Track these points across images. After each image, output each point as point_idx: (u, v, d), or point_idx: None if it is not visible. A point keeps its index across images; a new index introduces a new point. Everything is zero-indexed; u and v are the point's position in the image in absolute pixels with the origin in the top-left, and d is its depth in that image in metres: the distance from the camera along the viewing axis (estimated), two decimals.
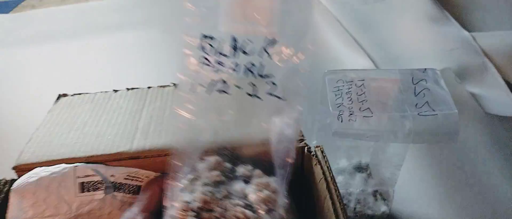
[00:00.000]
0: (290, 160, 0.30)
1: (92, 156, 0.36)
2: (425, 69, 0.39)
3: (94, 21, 1.06)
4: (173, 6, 1.07)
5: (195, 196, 0.31)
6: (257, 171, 0.34)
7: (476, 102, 0.65)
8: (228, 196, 0.31)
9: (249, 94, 0.30)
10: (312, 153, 0.37)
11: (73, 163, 0.35)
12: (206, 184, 0.32)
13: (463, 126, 0.60)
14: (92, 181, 0.35)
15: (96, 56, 0.90)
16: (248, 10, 0.28)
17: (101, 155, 0.36)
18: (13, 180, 0.35)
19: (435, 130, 0.35)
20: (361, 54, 0.79)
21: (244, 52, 0.28)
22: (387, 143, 0.38)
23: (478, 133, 0.59)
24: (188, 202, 0.30)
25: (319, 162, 0.36)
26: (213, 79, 0.29)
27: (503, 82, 0.68)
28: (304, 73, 0.28)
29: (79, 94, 0.46)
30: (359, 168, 0.46)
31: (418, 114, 0.35)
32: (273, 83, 0.29)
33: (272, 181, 0.32)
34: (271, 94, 0.29)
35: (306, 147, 0.37)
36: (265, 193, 0.31)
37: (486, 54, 0.75)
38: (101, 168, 0.35)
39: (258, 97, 0.30)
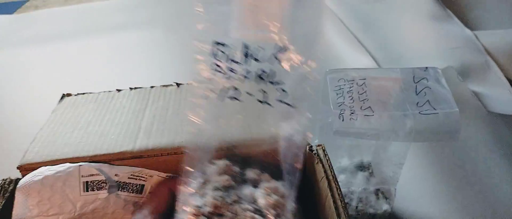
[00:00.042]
0: (298, 166, 0.30)
1: (95, 156, 0.36)
2: (427, 67, 0.39)
3: (97, 21, 1.06)
4: (176, 7, 1.07)
5: (206, 200, 0.31)
6: (265, 175, 0.34)
7: (478, 101, 0.64)
8: (237, 200, 0.32)
9: (260, 101, 0.30)
10: (313, 152, 0.37)
11: (77, 163, 0.35)
12: (216, 189, 0.32)
13: (465, 124, 0.60)
14: (96, 181, 0.35)
15: (99, 56, 0.91)
16: (259, 17, 0.28)
17: (105, 155, 0.36)
18: (18, 179, 0.35)
19: (436, 128, 0.35)
20: (363, 53, 0.79)
21: (255, 59, 0.29)
22: (389, 142, 0.38)
23: (480, 131, 0.59)
24: (199, 207, 0.31)
25: (321, 160, 0.36)
26: (225, 86, 0.29)
27: (505, 81, 0.68)
28: (313, 80, 0.29)
29: (83, 93, 0.46)
30: (361, 167, 0.46)
31: (419, 112, 0.35)
32: (283, 90, 0.29)
33: (281, 185, 0.33)
34: (281, 101, 0.30)
35: (307, 146, 0.37)
36: (274, 197, 0.32)
37: (488, 53, 0.75)
38: (105, 167, 0.36)
39: (268, 104, 0.30)
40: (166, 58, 0.86)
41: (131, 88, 0.46)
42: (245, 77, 0.29)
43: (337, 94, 0.37)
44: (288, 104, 0.29)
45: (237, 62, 0.29)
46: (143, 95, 0.45)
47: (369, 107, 0.36)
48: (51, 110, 0.44)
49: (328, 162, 0.35)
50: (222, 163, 0.34)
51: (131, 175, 0.36)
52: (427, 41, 0.82)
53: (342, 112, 0.36)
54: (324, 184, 0.34)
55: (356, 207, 0.45)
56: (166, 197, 0.36)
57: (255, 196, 0.32)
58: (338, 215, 0.31)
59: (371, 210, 0.45)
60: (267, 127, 0.32)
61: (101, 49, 0.93)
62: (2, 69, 0.88)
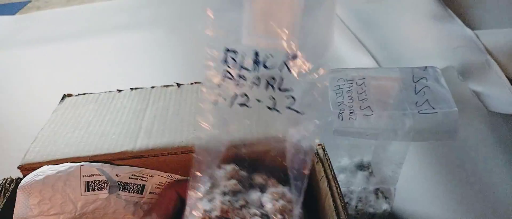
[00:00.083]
0: (306, 172, 0.31)
1: (96, 155, 0.36)
2: (426, 67, 0.39)
3: (99, 22, 1.07)
4: (178, 7, 1.08)
5: (214, 205, 0.31)
6: (273, 180, 0.34)
7: (478, 100, 0.64)
8: (245, 205, 0.32)
9: (269, 108, 0.30)
10: (313, 152, 0.37)
11: (78, 162, 0.35)
12: (224, 193, 0.32)
13: (466, 124, 0.60)
14: (97, 181, 0.35)
15: (101, 56, 0.91)
16: (270, 25, 0.28)
17: (105, 154, 0.37)
18: (18, 179, 0.35)
19: (435, 128, 0.35)
20: (364, 53, 0.79)
21: (265, 66, 0.29)
22: (388, 142, 0.38)
23: (480, 131, 0.59)
24: (207, 211, 0.31)
25: (321, 160, 0.36)
26: (235, 92, 0.30)
27: (506, 80, 0.68)
28: (322, 87, 0.29)
29: (84, 94, 0.46)
30: (361, 166, 0.47)
31: (418, 112, 0.35)
32: (292, 97, 0.30)
33: (287, 190, 0.33)
34: (289, 108, 0.30)
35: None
36: (281, 203, 0.32)
37: (489, 52, 0.75)
38: (106, 167, 0.36)
39: (277, 111, 0.30)
40: (167, 58, 0.87)
41: (131, 89, 0.46)
42: (255, 84, 0.29)
43: (336, 93, 0.38)
44: (297, 111, 0.30)
45: (247, 69, 0.29)
46: (144, 96, 0.45)
47: (368, 106, 0.36)
48: (52, 110, 0.44)
49: (328, 161, 0.35)
50: (230, 167, 0.34)
51: (132, 175, 0.37)
52: (427, 41, 0.82)
53: (341, 112, 0.36)
54: (323, 183, 0.34)
55: (356, 206, 0.45)
56: (174, 201, 0.36)
57: (262, 201, 0.33)
58: (338, 214, 0.31)
59: (371, 210, 0.45)
60: (275, 133, 0.32)
61: (102, 50, 0.93)
62: (4, 70, 0.89)
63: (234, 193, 0.33)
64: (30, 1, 1.29)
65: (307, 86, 0.29)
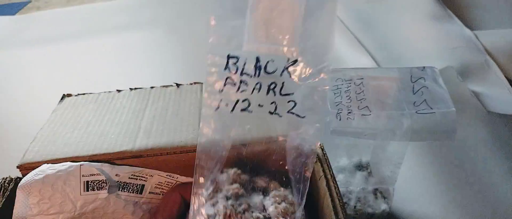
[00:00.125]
0: (308, 174, 0.31)
1: (95, 155, 0.36)
2: (424, 67, 0.39)
3: (99, 22, 1.07)
4: (177, 8, 1.08)
5: (218, 209, 0.31)
6: (275, 183, 0.34)
7: (478, 100, 0.65)
8: (248, 209, 0.32)
9: (270, 112, 0.30)
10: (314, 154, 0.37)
11: (77, 162, 0.36)
12: (227, 198, 0.32)
13: (465, 124, 0.60)
14: (96, 180, 0.35)
15: (100, 56, 0.91)
16: (271, 31, 0.28)
17: (104, 154, 0.37)
18: (18, 179, 0.35)
19: (433, 128, 0.35)
20: (363, 53, 0.79)
21: (266, 72, 0.29)
22: (387, 141, 0.38)
23: (480, 131, 0.59)
24: (211, 216, 0.31)
25: (319, 159, 0.36)
26: (237, 98, 0.30)
27: (505, 80, 0.68)
28: (322, 91, 0.29)
29: (83, 94, 0.46)
30: (360, 167, 0.47)
31: (416, 112, 0.35)
32: (293, 101, 0.30)
33: (289, 193, 0.33)
34: (291, 113, 0.30)
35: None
36: (283, 205, 0.32)
37: (488, 52, 0.75)
38: (106, 167, 0.36)
39: (278, 115, 0.30)
40: (167, 59, 0.87)
41: (131, 89, 0.47)
42: (256, 89, 0.30)
43: (334, 93, 0.38)
44: (298, 115, 0.30)
45: (248, 75, 0.29)
46: (143, 96, 0.45)
47: (367, 106, 0.36)
48: (52, 110, 0.44)
49: (327, 161, 0.35)
50: (232, 171, 0.34)
51: (132, 175, 0.37)
52: (427, 41, 0.82)
53: (339, 112, 0.36)
54: (322, 183, 0.34)
55: (355, 206, 0.45)
56: (178, 204, 0.36)
57: (264, 204, 0.33)
58: (336, 213, 0.31)
59: (370, 210, 0.45)
60: (276, 137, 0.32)
61: (102, 50, 0.93)
62: (4, 70, 0.89)
63: (237, 197, 0.33)
64: (30, 1, 1.29)
65: (308, 90, 0.29)
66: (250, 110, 0.30)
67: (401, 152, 0.41)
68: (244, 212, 0.32)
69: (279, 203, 0.32)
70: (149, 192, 0.38)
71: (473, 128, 0.60)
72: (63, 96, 0.46)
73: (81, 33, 1.02)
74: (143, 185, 0.37)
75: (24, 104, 0.76)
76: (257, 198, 0.33)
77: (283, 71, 0.29)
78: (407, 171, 0.52)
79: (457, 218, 0.49)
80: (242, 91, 0.29)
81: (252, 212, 0.32)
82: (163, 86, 0.47)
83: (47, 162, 0.36)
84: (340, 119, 0.36)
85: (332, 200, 0.32)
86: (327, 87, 0.29)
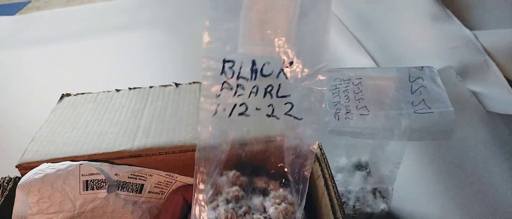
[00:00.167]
0: (307, 174, 0.31)
1: (94, 155, 0.37)
2: (422, 67, 0.39)
3: (98, 22, 1.07)
4: (176, 8, 1.08)
5: (219, 213, 0.32)
6: (274, 183, 0.34)
7: (477, 100, 0.65)
8: (248, 211, 0.32)
9: (268, 115, 0.30)
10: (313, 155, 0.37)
11: (76, 161, 0.36)
12: (228, 201, 0.33)
13: (464, 124, 0.60)
14: (96, 180, 0.35)
15: (100, 56, 0.91)
16: (266, 32, 0.28)
17: (103, 153, 0.37)
18: (17, 178, 0.35)
19: (431, 127, 0.35)
20: (362, 53, 0.79)
21: (263, 74, 0.29)
22: (385, 141, 0.38)
23: (479, 131, 0.59)
24: None
25: (318, 159, 0.36)
26: (235, 103, 0.30)
27: (504, 80, 0.68)
28: (319, 92, 0.29)
29: (82, 93, 0.46)
30: (359, 166, 0.47)
31: (414, 111, 0.35)
32: (290, 103, 0.30)
33: (289, 193, 0.33)
34: (288, 114, 0.30)
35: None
36: (283, 206, 0.32)
37: (487, 52, 0.75)
38: (105, 166, 0.36)
39: (276, 117, 0.30)
40: (166, 58, 0.87)
41: (130, 88, 0.47)
42: (253, 92, 0.30)
43: (333, 93, 0.38)
44: (295, 117, 0.30)
45: (245, 78, 0.29)
46: (142, 95, 0.45)
47: (365, 106, 0.36)
48: (51, 110, 0.44)
49: (325, 160, 0.36)
50: (231, 173, 0.34)
51: (131, 174, 0.37)
52: (426, 41, 0.82)
53: (337, 111, 0.36)
54: (320, 182, 0.34)
55: (354, 206, 0.45)
56: (181, 206, 0.36)
57: (265, 205, 0.33)
58: (334, 213, 0.31)
59: (369, 210, 0.45)
60: (274, 138, 0.32)
61: (102, 50, 0.93)
62: (3, 70, 0.89)
63: (237, 200, 0.33)
64: (30, 2, 1.29)
65: (305, 92, 0.29)
66: (248, 114, 0.30)
67: (400, 152, 0.41)
68: (245, 215, 0.32)
69: (279, 204, 0.32)
70: (149, 192, 0.38)
71: (472, 128, 0.60)
72: (62, 96, 0.46)
73: (80, 33, 1.02)
74: (142, 185, 0.37)
75: (23, 104, 0.76)
76: (257, 200, 0.33)
77: (279, 73, 0.29)
78: (406, 170, 0.52)
79: (456, 217, 0.49)
80: (239, 95, 0.29)
81: (253, 214, 0.32)
82: (162, 86, 0.47)
83: (46, 161, 0.36)
84: (338, 119, 0.36)
85: (330, 200, 0.32)
86: (324, 88, 0.29)
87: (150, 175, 0.37)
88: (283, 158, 0.32)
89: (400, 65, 0.73)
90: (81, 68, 0.87)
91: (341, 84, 0.38)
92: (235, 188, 0.33)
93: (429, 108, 0.35)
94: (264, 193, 0.34)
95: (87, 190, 0.35)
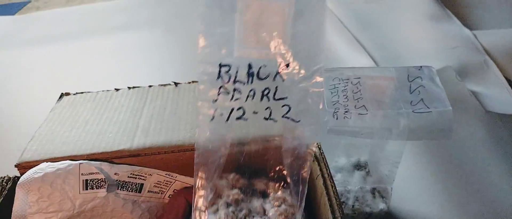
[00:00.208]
0: (305, 176, 0.31)
1: (93, 154, 0.37)
2: (421, 66, 0.39)
3: (98, 22, 1.07)
4: (176, 8, 1.08)
5: (219, 217, 0.32)
6: (273, 184, 0.34)
7: (476, 100, 0.65)
8: (248, 214, 0.32)
9: (265, 118, 0.30)
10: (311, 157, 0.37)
11: (76, 160, 0.36)
12: (228, 204, 0.33)
13: (463, 124, 0.60)
14: (95, 179, 0.35)
15: (99, 56, 0.91)
16: (261, 35, 0.28)
17: (103, 153, 0.37)
18: (16, 177, 0.35)
19: (429, 127, 0.35)
20: (362, 53, 0.79)
21: (259, 77, 0.29)
22: (384, 141, 0.38)
23: (478, 130, 0.59)
24: None
25: (316, 158, 0.36)
26: (232, 107, 0.30)
27: (504, 80, 0.68)
28: (316, 93, 0.29)
29: (81, 93, 0.46)
30: (358, 166, 0.47)
31: (412, 111, 0.35)
32: (287, 106, 0.30)
33: (288, 195, 0.33)
34: (285, 117, 0.30)
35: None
36: (283, 207, 0.32)
37: (487, 52, 0.75)
38: (105, 166, 0.36)
39: (273, 120, 0.30)
40: (165, 58, 0.87)
41: (129, 88, 0.47)
42: (250, 96, 0.30)
43: (331, 92, 0.38)
44: (293, 120, 0.30)
45: (241, 82, 0.29)
46: (141, 94, 0.45)
47: (363, 105, 0.36)
48: (50, 109, 0.44)
49: (324, 160, 0.36)
50: (231, 176, 0.34)
51: (131, 174, 0.37)
52: (426, 41, 0.82)
53: (336, 111, 0.36)
54: (319, 182, 0.34)
55: (353, 206, 0.45)
56: (183, 208, 0.36)
57: (265, 207, 0.33)
58: (333, 212, 0.31)
59: (368, 209, 0.45)
60: (273, 141, 0.33)
61: (101, 50, 0.93)
62: (3, 70, 0.89)
63: (237, 203, 0.33)
64: (29, 1, 1.29)
65: (302, 94, 0.29)
66: (246, 118, 0.30)
67: (399, 152, 0.41)
68: (245, 218, 0.32)
69: (279, 206, 0.32)
70: (148, 191, 0.38)
71: (471, 128, 0.60)
72: (62, 95, 0.46)
73: (80, 33, 1.02)
74: (142, 184, 0.38)
75: (23, 104, 0.76)
76: (257, 202, 0.33)
77: (276, 75, 0.29)
78: (405, 170, 0.52)
79: (455, 217, 0.49)
80: (236, 100, 0.29)
81: (253, 216, 0.32)
82: (161, 85, 0.47)
83: (45, 161, 0.36)
84: (337, 118, 0.36)
85: (329, 199, 0.32)
86: (321, 90, 0.29)
87: (150, 174, 0.37)
88: (282, 160, 0.32)
89: (400, 64, 0.73)
90: (81, 67, 0.87)
91: (339, 83, 0.38)
92: (235, 191, 0.33)
93: (428, 107, 0.35)
94: (264, 195, 0.34)
95: (86, 189, 0.35)
